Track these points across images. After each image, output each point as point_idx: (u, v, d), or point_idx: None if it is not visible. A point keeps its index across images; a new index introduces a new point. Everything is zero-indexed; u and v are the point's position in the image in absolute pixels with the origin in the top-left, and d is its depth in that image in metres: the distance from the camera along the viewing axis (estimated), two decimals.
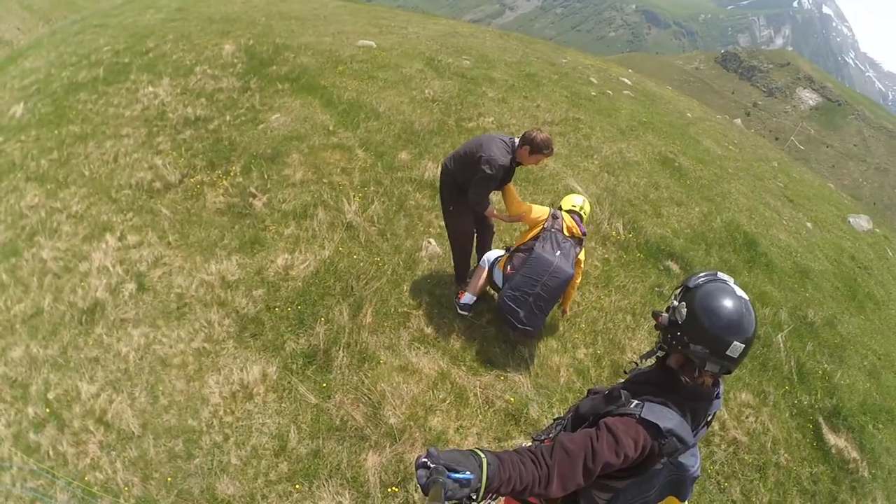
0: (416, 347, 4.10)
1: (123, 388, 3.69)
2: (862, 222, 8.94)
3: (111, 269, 4.63)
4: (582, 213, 4.23)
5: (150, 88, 7.65)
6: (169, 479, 3.25)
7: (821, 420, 4.73)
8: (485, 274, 4.29)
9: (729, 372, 1.63)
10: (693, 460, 1.72)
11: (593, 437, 1.56)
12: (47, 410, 3.65)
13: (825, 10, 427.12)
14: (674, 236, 6.15)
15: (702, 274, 1.71)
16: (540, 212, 4.06)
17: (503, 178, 3.92)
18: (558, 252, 3.87)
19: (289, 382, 3.76)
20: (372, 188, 5.63)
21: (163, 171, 5.78)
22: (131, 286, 4.44)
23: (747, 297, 1.60)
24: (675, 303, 1.69)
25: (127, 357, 3.89)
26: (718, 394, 1.77)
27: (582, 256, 4.15)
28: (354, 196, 5.41)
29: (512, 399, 3.78)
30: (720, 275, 1.69)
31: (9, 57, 14.43)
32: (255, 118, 6.88)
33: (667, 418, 1.59)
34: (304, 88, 7.73)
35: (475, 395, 3.78)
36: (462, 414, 3.64)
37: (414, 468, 1.34)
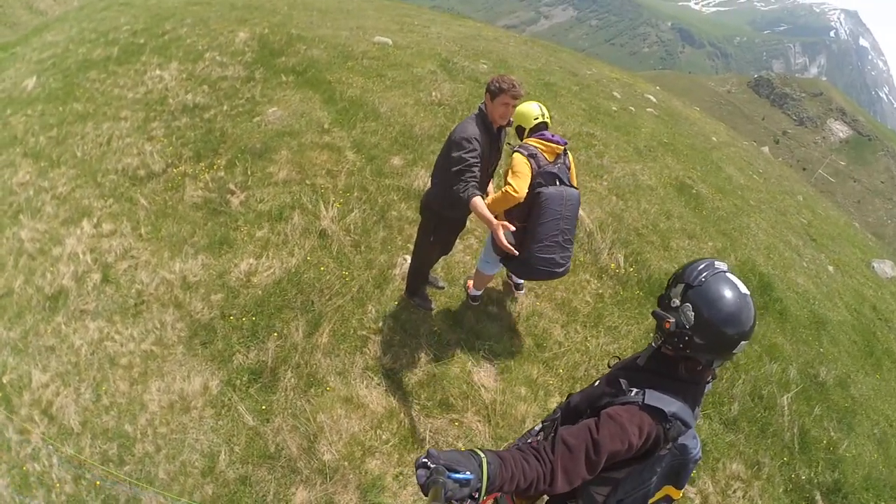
0: (368, 377, 3.76)
1: (71, 382, 3.59)
2: (886, 268, 8.28)
3: (81, 256, 4.47)
4: (546, 119, 3.61)
5: (158, 72, 7.49)
6: (98, 483, 3.17)
7: (818, 497, 4.22)
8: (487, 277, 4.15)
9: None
10: (694, 442, 1.69)
11: (593, 429, 1.54)
12: (0, 394, 3.61)
13: (862, 42, 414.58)
14: None
15: (699, 266, 1.65)
16: (520, 175, 3.30)
17: (490, 154, 3.28)
18: (557, 181, 3.41)
19: (229, 399, 3.51)
20: (355, 194, 5.29)
21: (149, 158, 5.57)
22: (96, 276, 4.28)
23: (746, 290, 1.60)
24: (678, 303, 1.64)
25: (79, 350, 3.78)
26: (714, 376, 1.79)
27: (571, 158, 3.64)
28: (335, 201, 5.09)
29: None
30: (717, 264, 1.65)
31: (35, 28, 14.61)
32: (252, 110, 6.63)
33: (670, 403, 1.59)
34: (308, 82, 7.46)
35: (424, 439, 3.40)
36: (405, 460, 3.28)
37: (414, 468, 1.31)
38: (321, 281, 4.30)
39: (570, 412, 1.90)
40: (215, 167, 5.39)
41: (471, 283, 4.38)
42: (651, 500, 1.74)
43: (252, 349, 3.74)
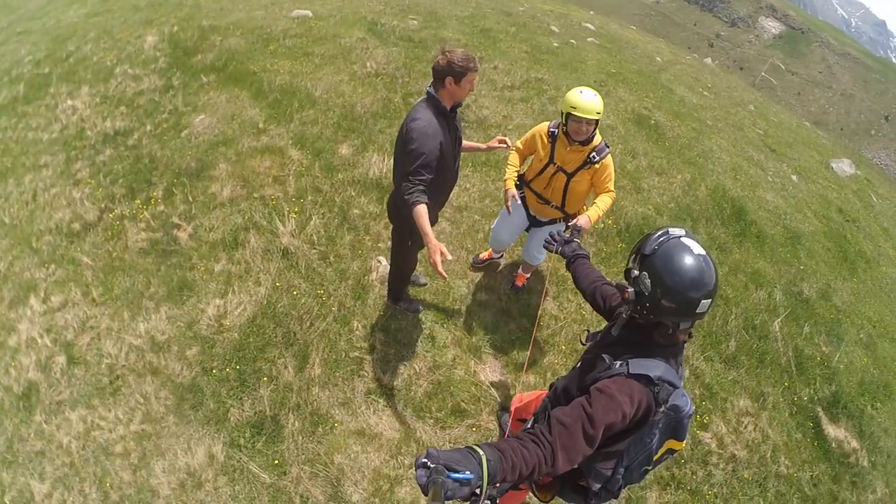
0: (373, 401, 3.55)
1: (73, 484, 3.20)
2: (844, 167, 8.51)
3: (39, 340, 3.90)
4: (598, 116, 2.99)
5: (69, 102, 6.54)
6: None
7: (820, 412, 4.40)
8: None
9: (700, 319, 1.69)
10: (684, 400, 1.72)
11: (585, 404, 1.56)
12: None
13: None
14: (657, 214, 5.58)
15: (654, 235, 1.70)
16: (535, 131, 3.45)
17: (453, 142, 2.94)
18: None
19: (238, 461, 3.23)
20: (310, 198, 4.88)
21: (80, 208, 4.90)
22: (61, 360, 3.75)
23: (703, 251, 1.63)
24: (636, 272, 1.70)
25: (70, 448, 3.34)
26: (691, 335, 1.83)
27: (607, 161, 3.24)
28: (289, 212, 4.67)
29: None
30: (672, 231, 1.69)
31: None
32: (177, 123, 5.94)
33: (653, 367, 1.64)
34: (231, 78, 6.73)
35: None
36: None
37: (414, 468, 1.30)
38: (297, 307, 3.98)
39: (557, 398, 1.92)
40: (153, 201, 4.82)
41: (523, 276, 4.41)
42: (655, 457, 1.80)
43: (245, 400, 3.44)
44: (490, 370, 3.83)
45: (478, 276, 4.48)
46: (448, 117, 2.86)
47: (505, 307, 4.30)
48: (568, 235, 2.63)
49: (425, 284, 4.32)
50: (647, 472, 1.86)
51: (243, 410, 3.42)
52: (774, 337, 4.68)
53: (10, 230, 4.88)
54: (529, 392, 2.82)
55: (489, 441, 1.47)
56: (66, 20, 9.99)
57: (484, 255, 4.51)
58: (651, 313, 1.67)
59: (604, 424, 1.53)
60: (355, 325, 3.95)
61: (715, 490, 3.70)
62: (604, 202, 3.23)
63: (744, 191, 6.39)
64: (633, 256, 1.76)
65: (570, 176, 3.28)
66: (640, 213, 5.49)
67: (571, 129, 3.06)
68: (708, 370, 4.32)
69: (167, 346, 3.74)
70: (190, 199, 4.82)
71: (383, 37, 8.39)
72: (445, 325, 4.07)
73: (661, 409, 1.65)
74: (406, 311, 4.05)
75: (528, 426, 2.12)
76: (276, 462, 3.20)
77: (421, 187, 2.66)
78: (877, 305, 5.67)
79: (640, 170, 6.26)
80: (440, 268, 2.47)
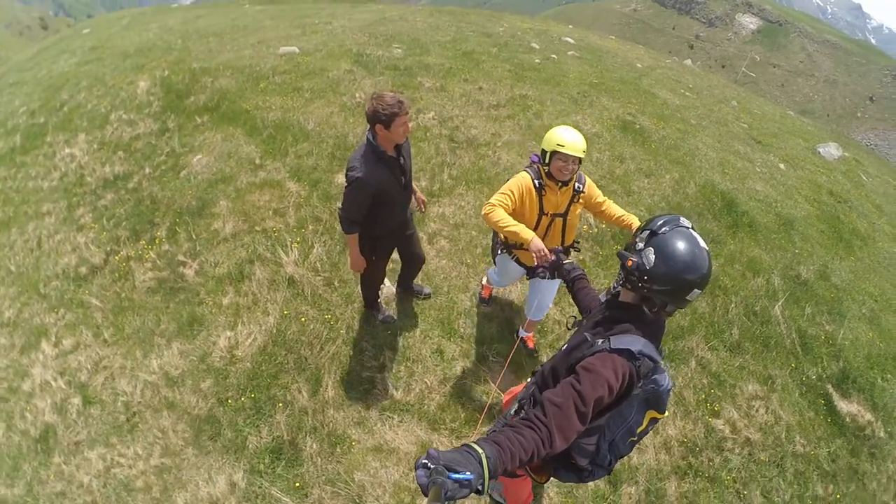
0: (388, 417, 3.62)
1: None
2: (832, 150, 8.64)
3: (53, 383, 4.00)
4: (582, 154, 2.86)
5: (67, 150, 6.77)
6: None
7: (831, 389, 4.44)
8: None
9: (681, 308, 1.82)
10: (663, 376, 1.81)
11: (574, 382, 1.63)
12: None
13: None
14: (648, 214, 5.70)
15: (665, 218, 1.82)
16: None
17: (392, 177, 3.11)
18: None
19: (260, 487, 3.28)
20: (310, 228, 5.02)
21: (85, 252, 5.06)
22: (77, 401, 3.84)
23: (706, 246, 1.76)
24: (642, 246, 1.80)
25: (91, 487, 3.39)
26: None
27: (589, 183, 3.15)
28: (292, 242, 4.81)
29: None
30: (682, 220, 1.81)
31: None
32: (175, 164, 6.13)
33: (634, 342, 1.72)
34: (224, 118, 6.96)
35: None
36: None
37: (414, 468, 1.33)
38: (306, 333, 4.08)
39: (545, 380, 1.99)
40: (157, 241, 4.97)
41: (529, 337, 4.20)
42: (639, 429, 1.89)
43: (262, 427, 3.52)
44: (500, 379, 3.90)
45: (480, 288, 4.58)
46: (387, 160, 3.04)
47: (508, 317, 4.39)
48: (552, 258, 2.68)
49: (429, 295, 4.43)
50: (633, 443, 1.95)
51: (261, 437, 3.49)
52: (776, 321, 4.75)
53: (17, 278, 5.02)
54: (517, 386, 2.92)
55: (486, 436, 1.51)
56: (57, 70, 10.33)
57: (485, 293, 4.49)
58: (644, 287, 1.78)
59: (593, 399, 1.59)
60: (364, 345, 4.04)
61: (733, 475, 3.73)
62: (617, 209, 3.21)
63: (733, 183, 6.52)
64: (642, 232, 1.86)
65: (564, 216, 3.12)
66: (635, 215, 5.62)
67: (556, 168, 2.85)
68: (714, 359, 4.38)
69: (181, 380, 3.83)
70: (193, 236, 4.97)
71: (369, 67, 8.67)
72: (452, 339, 4.16)
73: (640, 384, 1.74)
74: (381, 321, 4.18)
75: (513, 411, 2.20)
76: (298, 485, 3.26)
77: (348, 224, 3.17)
78: (877, 280, 5.73)
79: (628, 174, 6.40)
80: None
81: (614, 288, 1.97)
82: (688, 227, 1.80)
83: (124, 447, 3.54)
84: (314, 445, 3.44)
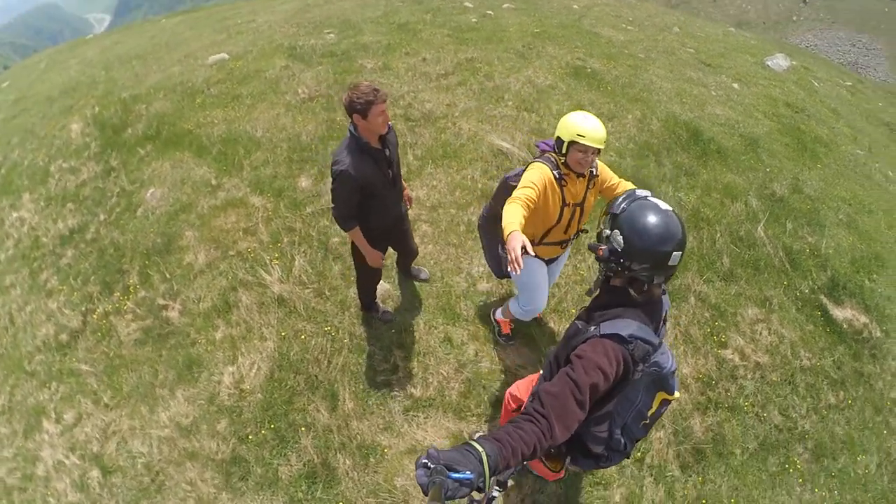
0: (413, 417, 3.58)
1: None
2: (780, 61, 8.76)
3: (66, 461, 3.77)
4: (602, 145, 2.62)
5: (14, 214, 6.24)
6: None
7: (824, 300, 4.60)
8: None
9: (670, 276, 1.80)
10: (665, 357, 1.81)
11: (569, 371, 1.63)
12: None
13: None
14: (619, 157, 5.69)
15: (621, 198, 1.81)
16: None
17: (378, 168, 3.01)
18: None
19: None
20: (286, 240, 4.81)
21: (61, 318, 4.72)
22: (95, 473, 3.64)
23: (669, 207, 1.74)
24: (608, 231, 1.79)
25: None
26: (664, 291, 1.94)
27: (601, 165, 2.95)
28: (271, 260, 4.61)
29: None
30: (638, 192, 1.82)
31: None
32: (129, 204, 5.73)
33: (625, 326, 1.70)
34: (168, 143, 6.51)
35: None
36: None
37: (414, 468, 1.32)
38: (310, 350, 3.95)
39: (550, 367, 2.01)
40: (132, 289, 4.68)
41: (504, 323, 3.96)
42: (650, 412, 1.90)
43: (290, 455, 3.42)
44: (515, 355, 3.89)
45: (473, 267, 4.51)
46: (372, 151, 2.94)
47: (507, 291, 4.35)
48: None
49: (427, 279, 4.34)
50: (647, 426, 1.95)
51: (292, 466, 3.40)
52: (762, 242, 4.86)
53: (0, 360, 4.70)
54: (523, 380, 2.81)
55: (488, 433, 1.52)
56: None
57: (504, 328, 3.95)
58: (625, 269, 1.76)
59: (589, 386, 1.59)
60: (371, 350, 3.95)
61: (750, 400, 3.86)
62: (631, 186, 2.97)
63: (693, 112, 6.56)
64: (604, 218, 1.85)
65: (582, 204, 2.91)
66: (604, 161, 5.59)
67: (574, 160, 2.61)
68: (711, 291, 4.46)
69: (195, 427, 3.67)
70: (167, 275, 4.71)
71: (305, 59, 8.25)
72: (457, 324, 4.10)
73: (640, 368, 1.73)
74: (380, 319, 4.09)
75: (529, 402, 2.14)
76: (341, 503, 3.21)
77: (343, 220, 3.07)
78: (846, 184, 5.92)
79: None
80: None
81: (604, 276, 1.92)
82: (645, 197, 1.78)
83: None
84: (347, 461, 3.37)
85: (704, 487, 3.42)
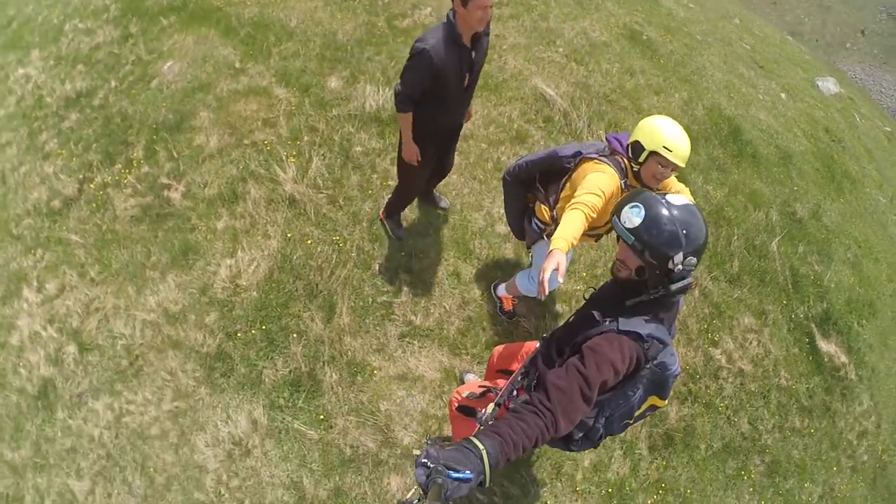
0: (408, 343, 3.58)
1: (114, 475, 3.13)
2: (830, 85, 8.55)
3: (43, 333, 3.63)
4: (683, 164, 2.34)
5: (21, 70, 5.68)
6: None
7: (814, 328, 4.73)
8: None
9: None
10: (672, 359, 1.80)
11: (579, 366, 1.59)
12: None
13: None
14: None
15: (628, 205, 1.67)
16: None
17: (460, 68, 2.84)
18: None
19: (282, 421, 3.24)
20: (306, 139, 4.56)
21: (56, 183, 4.41)
22: (72, 349, 3.54)
23: (688, 201, 1.67)
24: (637, 246, 1.67)
25: (102, 439, 3.23)
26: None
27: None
28: (287, 156, 4.38)
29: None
30: (647, 196, 1.69)
31: None
32: (144, 74, 5.27)
33: (642, 325, 1.67)
34: (194, 17, 5.92)
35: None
36: None
37: (414, 466, 1.32)
38: (314, 256, 3.84)
39: (550, 351, 1.97)
40: (135, 163, 4.38)
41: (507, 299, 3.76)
42: (637, 412, 1.91)
43: (277, 359, 3.39)
44: (518, 301, 3.86)
45: (494, 207, 4.39)
46: (461, 46, 2.76)
47: (520, 242, 4.28)
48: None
49: (446, 208, 4.24)
50: (627, 425, 1.97)
51: (277, 370, 3.37)
52: (773, 256, 4.89)
53: None
54: (511, 344, 2.76)
55: (488, 427, 1.49)
56: None
57: (506, 304, 3.77)
58: (661, 284, 1.68)
59: (599, 382, 1.58)
60: (376, 267, 3.88)
61: (726, 402, 4.00)
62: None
63: (738, 109, 6.38)
64: (627, 230, 1.68)
65: None
66: None
67: (650, 172, 2.34)
68: (715, 290, 4.51)
69: (183, 315, 3.57)
70: (175, 154, 4.42)
71: None
72: (468, 261, 4.05)
73: (648, 365, 1.71)
74: (391, 232, 3.99)
75: (519, 378, 2.11)
76: (321, 417, 3.22)
77: (402, 99, 2.85)
78: (861, 226, 5.95)
79: (638, 89, 6.10)
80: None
81: (649, 293, 1.75)
82: (660, 200, 1.66)
83: (132, 394, 3.34)
84: (334, 375, 3.37)
85: (666, 472, 3.58)
